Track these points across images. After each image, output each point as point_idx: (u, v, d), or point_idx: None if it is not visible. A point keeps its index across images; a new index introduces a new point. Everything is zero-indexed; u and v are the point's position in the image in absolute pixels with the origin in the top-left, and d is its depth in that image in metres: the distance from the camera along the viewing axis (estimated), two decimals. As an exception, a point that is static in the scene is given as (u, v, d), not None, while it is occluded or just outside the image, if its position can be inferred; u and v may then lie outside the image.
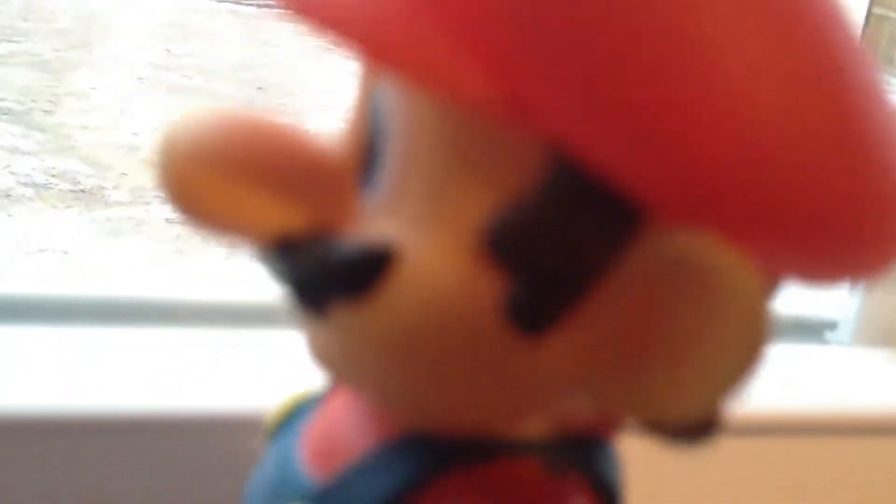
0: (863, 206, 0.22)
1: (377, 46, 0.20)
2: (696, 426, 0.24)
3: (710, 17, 0.20)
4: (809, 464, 0.65)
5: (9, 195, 1.43)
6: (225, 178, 0.24)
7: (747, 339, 0.21)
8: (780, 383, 0.65)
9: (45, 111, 1.80)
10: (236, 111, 0.24)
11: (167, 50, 2.25)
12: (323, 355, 0.25)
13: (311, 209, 0.24)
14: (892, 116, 0.24)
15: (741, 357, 0.21)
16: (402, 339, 0.23)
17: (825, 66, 0.22)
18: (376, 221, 0.24)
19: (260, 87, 2.12)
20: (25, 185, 1.47)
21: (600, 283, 0.22)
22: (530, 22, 0.20)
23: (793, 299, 0.73)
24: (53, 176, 1.51)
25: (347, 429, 0.28)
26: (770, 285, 0.23)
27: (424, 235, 0.23)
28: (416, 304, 0.22)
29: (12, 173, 1.50)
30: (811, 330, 0.73)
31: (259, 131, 0.24)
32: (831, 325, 0.72)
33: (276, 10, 0.21)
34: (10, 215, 1.41)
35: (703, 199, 0.20)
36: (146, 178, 1.44)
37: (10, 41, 2.12)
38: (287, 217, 0.24)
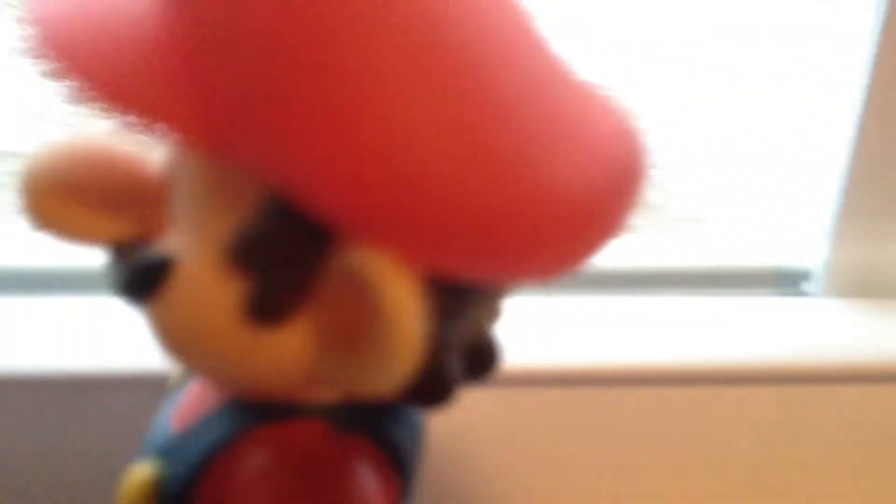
0: (512, 216, 0.26)
1: (110, 91, 0.24)
2: (419, 394, 0.29)
3: (370, 66, 0.24)
4: (783, 411, 0.68)
5: None
6: (67, 201, 0.30)
7: (398, 338, 0.26)
8: (750, 334, 0.68)
9: None
10: (79, 141, 0.31)
11: None
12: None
13: (136, 222, 0.30)
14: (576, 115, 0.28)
15: (397, 352, 0.26)
16: (174, 332, 0.30)
17: (467, 99, 0.25)
18: (172, 234, 0.31)
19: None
20: None
21: (314, 287, 0.28)
22: (235, 81, 0.24)
23: (771, 251, 0.75)
24: None
25: (199, 394, 0.35)
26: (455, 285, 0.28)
27: (191, 248, 0.29)
28: (182, 303, 0.29)
29: None
30: (786, 281, 0.76)
31: (95, 158, 0.30)
32: (805, 276, 0.74)
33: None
34: None
35: (374, 220, 0.25)
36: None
37: None
38: (116, 229, 0.30)
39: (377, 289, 0.26)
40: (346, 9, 0.24)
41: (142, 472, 0.32)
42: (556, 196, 0.27)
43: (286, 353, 0.29)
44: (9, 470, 0.59)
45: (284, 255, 0.27)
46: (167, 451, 0.32)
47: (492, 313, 0.32)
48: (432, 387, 0.28)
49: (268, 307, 0.28)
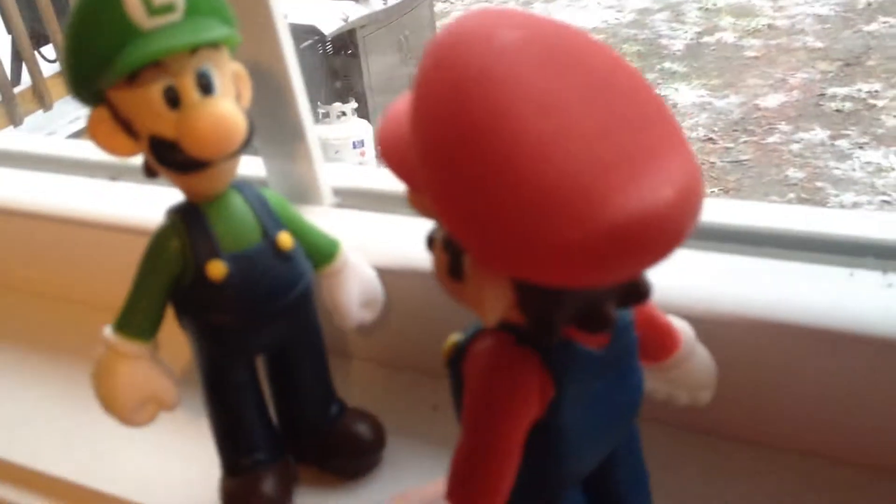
0: (596, 246, 0.36)
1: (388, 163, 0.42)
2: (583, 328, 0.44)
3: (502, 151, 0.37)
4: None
5: None
6: None
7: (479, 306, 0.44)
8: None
9: None
10: None
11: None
12: None
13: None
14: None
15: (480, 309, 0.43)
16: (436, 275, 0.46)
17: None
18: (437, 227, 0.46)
19: None
20: None
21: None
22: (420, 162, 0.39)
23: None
24: None
25: None
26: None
27: (438, 236, 0.45)
28: (433, 261, 0.46)
29: None
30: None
31: None
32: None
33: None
34: None
35: (488, 253, 0.39)
36: None
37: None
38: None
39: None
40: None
41: (454, 336, 0.50)
42: (630, 224, 0.36)
43: (469, 295, 0.44)
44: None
45: (454, 248, 0.43)
46: (467, 330, 0.49)
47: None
48: (588, 325, 0.43)
49: (452, 272, 0.44)
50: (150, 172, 0.60)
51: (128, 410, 0.60)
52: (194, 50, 0.55)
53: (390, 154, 0.42)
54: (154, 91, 0.55)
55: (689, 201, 0.39)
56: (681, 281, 0.63)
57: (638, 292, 0.44)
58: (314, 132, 0.78)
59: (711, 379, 0.57)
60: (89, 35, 0.54)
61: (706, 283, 0.64)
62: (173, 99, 0.55)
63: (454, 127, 0.38)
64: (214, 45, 0.57)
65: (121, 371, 0.59)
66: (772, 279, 0.63)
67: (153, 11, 0.53)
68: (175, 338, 0.63)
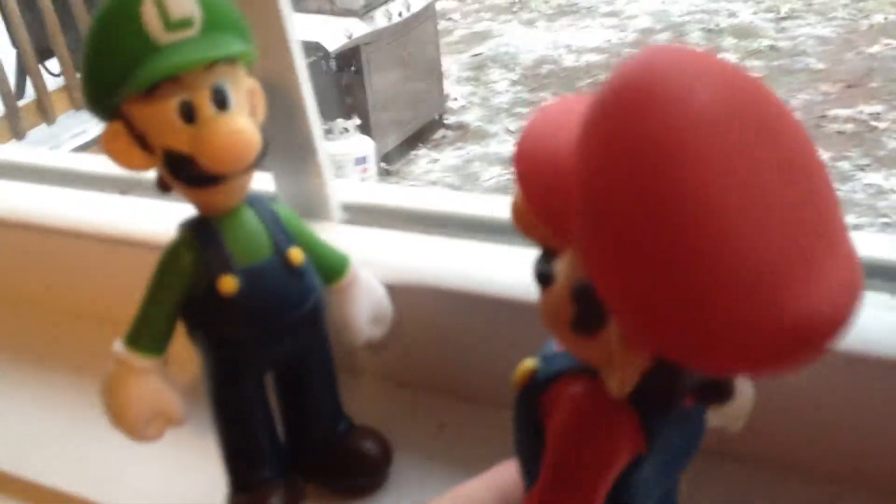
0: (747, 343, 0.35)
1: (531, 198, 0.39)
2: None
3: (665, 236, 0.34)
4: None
5: None
6: None
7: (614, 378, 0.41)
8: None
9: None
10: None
11: None
12: None
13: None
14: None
15: (614, 381, 0.40)
16: (544, 316, 0.43)
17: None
18: (561, 264, 0.43)
19: None
20: None
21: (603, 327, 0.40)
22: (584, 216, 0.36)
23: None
24: None
25: None
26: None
27: (561, 276, 0.42)
28: (547, 303, 0.43)
29: None
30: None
31: None
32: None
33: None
34: None
35: (638, 330, 0.36)
36: None
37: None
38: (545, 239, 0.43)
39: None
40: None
41: (530, 363, 0.48)
42: (783, 327, 0.34)
43: (591, 351, 0.42)
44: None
45: (589, 304, 0.39)
46: (547, 358, 0.47)
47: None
48: (710, 397, 0.43)
49: (580, 328, 0.41)
50: (163, 187, 0.60)
51: (137, 425, 0.60)
52: (210, 65, 0.56)
53: (535, 186, 0.39)
54: (170, 106, 0.55)
55: (852, 305, 0.37)
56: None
57: (721, 390, 0.44)
58: (324, 148, 0.78)
59: (749, 409, 0.57)
60: (107, 49, 0.55)
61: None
62: (189, 114, 0.56)
63: (638, 194, 0.34)
64: (230, 60, 0.57)
65: (130, 386, 0.59)
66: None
67: (171, 26, 0.54)
68: (183, 353, 0.63)
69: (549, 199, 0.39)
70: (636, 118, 0.35)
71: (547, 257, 0.43)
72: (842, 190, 2.89)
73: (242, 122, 0.57)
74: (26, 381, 0.88)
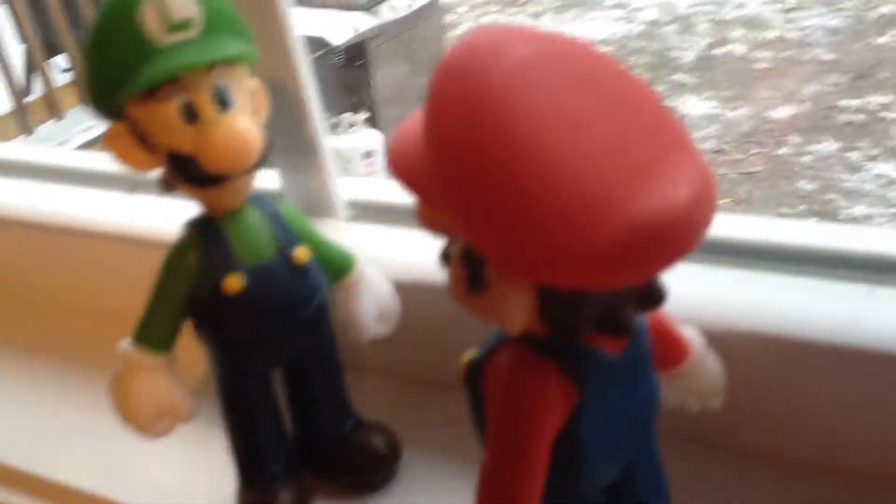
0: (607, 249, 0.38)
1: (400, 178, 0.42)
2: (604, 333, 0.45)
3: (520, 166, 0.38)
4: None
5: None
6: None
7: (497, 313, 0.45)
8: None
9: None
10: None
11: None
12: None
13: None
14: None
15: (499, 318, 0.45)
16: (452, 291, 0.46)
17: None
18: (452, 244, 0.46)
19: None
20: None
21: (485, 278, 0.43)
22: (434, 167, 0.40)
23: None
24: None
25: None
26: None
27: (454, 251, 0.45)
28: (449, 276, 0.46)
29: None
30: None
31: None
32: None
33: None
34: None
35: (507, 261, 0.40)
36: None
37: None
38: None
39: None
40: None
41: (469, 354, 0.50)
42: (649, 226, 0.38)
43: (490, 306, 0.44)
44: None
45: (473, 261, 0.43)
46: (481, 345, 0.50)
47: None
48: (609, 329, 0.44)
49: (473, 285, 0.44)
50: (167, 187, 0.60)
51: (145, 422, 0.60)
52: (211, 66, 0.56)
53: (403, 169, 0.43)
54: (171, 107, 0.56)
55: (704, 200, 0.40)
56: (697, 295, 0.63)
57: (655, 296, 0.45)
58: (329, 146, 0.78)
59: (722, 386, 0.57)
60: (107, 51, 0.55)
61: (723, 298, 0.64)
62: (191, 115, 0.56)
63: (474, 144, 0.39)
64: (231, 61, 0.57)
65: (138, 383, 0.60)
66: (789, 295, 0.63)
67: (171, 28, 0.54)
68: (190, 350, 0.63)
69: (418, 180, 0.42)
70: (461, 76, 0.39)
71: (449, 244, 0.46)
72: (851, 181, 2.88)
73: (244, 122, 0.57)
74: (34, 377, 0.89)
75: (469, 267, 0.44)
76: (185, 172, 0.58)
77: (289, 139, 0.77)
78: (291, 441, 0.68)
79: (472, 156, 0.39)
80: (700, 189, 0.40)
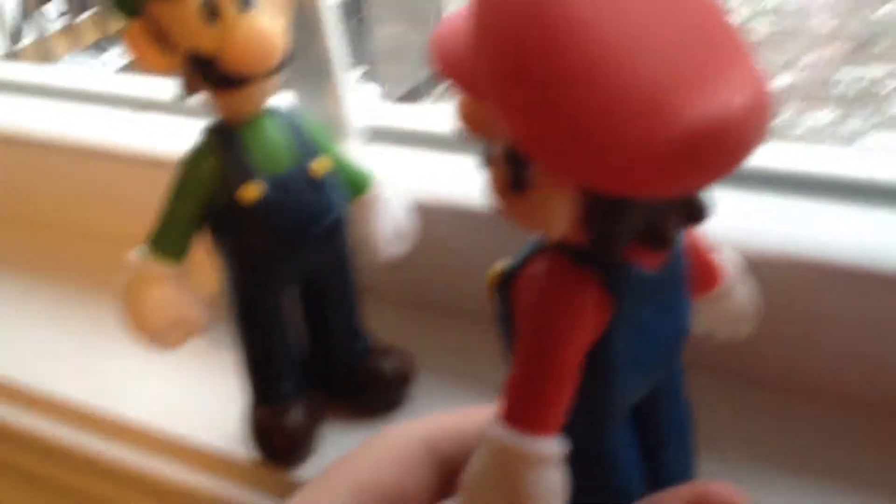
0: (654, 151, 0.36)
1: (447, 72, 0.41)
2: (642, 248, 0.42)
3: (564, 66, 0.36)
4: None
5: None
6: None
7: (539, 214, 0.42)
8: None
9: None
10: None
11: None
12: None
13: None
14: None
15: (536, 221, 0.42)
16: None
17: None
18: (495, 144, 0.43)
19: None
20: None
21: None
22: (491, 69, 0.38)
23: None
24: None
25: None
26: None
27: (496, 150, 0.42)
28: (491, 176, 0.43)
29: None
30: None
31: None
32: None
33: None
34: None
35: (554, 159, 0.37)
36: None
37: None
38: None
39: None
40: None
41: (500, 264, 0.47)
42: (702, 132, 0.36)
43: (532, 208, 0.42)
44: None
45: (516, 159, 0.40)
46: (515, 257, 0.47)
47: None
48: (651, 241, 0.42)
49: (515, 185, 0.41)
50: (187, 90, 0.58)
51: (157, 331, 0.59)
52: (235, -37, 0.54)
53: (446, 58, 0.41)
54: (192, 3, 0.54)
55: (758, 110, 0.39)
56: (728, 221, 0.62)
57: (699, 211, 0.43)
58: (345, 68, 0.77)
59: (753, 313, 0.56)
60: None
61: (755, 224, 0.63)
62: (212, 12, 0.54)
63: (525, 32, 0.37)
64: (256, -43, 0.55)
65: (151, 291, 0.58)
66: (821, 221, 0.62)
67: (195, -80, 0.52)
68: (204, 266, 0.62)
69: (465, 72, 0.41)
70: None
71: (491, 146, 0.44)
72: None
73: (266, 21, 0.55)
74: (39, 295, 0.87)
75: (513, 166, 0.42)
76: (204, 73, 0.56)
77: (305, 59, 0.75)
78: (304, 360, 0.67)
79: (523, 48, 0.37)
80: (755, 98, 0.39)
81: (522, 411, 0.45)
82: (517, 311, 0.46)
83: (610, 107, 0.36)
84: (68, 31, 3.15)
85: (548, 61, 0.36)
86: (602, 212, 0.41)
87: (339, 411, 0.67)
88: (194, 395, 0.71)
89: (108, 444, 0.71)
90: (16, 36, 3.05)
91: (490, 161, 0.44)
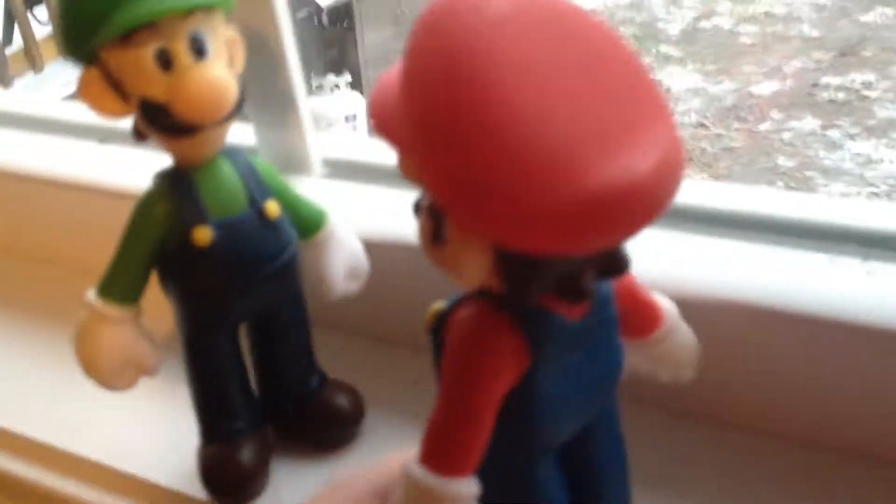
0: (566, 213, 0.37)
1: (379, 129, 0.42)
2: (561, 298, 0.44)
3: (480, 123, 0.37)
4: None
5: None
6: None
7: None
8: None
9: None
10: None
11: None
12: None
13: None
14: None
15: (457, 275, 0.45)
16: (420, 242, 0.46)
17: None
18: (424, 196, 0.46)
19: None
20: None
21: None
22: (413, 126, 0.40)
23: None
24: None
25: None
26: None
27: (424, 202, 0.45)
28: (420, 228, 0.46)
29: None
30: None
31: None
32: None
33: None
34: None
35: (465, 218, 0.39)
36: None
37: None
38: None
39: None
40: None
41: (437, 304, 0.50)
42: (606, 194, 0.37)
43: (450, 260, 0.44)
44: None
45: (437, 213, 0.43)
46: (451, 298, 0.49)
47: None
48: (567, 294, 0.43)
49: (437, 237, 0.43)
50: (139, 136, 0.60)
51: (109, 374, 0.60)
52: (188, 13, 0.55)
53: (382, 119, 0.42)
54: (146, 53, 0.55)
55: (667, 174, 0.40)
56: (663, 263, 0.63)
57: (616, 265, 0.45)
58: (306, 102, 0.78)
59: (694, 358, 0.57)
60: (83, -7, 0.54)
61: (688, 266, 0.64)
62: (166, 62, 0.55)
63: (440, 93, 0.38)
64: (208, 8, 0.56)
65: (103, 334, 0.59)
66: (753, 263, 0.64)
67: (147, -28, 0.53)
68: (157, 306, 0.63)
69: (396, 130, 0.42)
70: (437, 28, 0.39)
71: (423, 196, 0.46)
72: (830, 159, 2.89)
73: (219, 71, 0.56)
74: (-1, 327, 0.88)
75: (434, 219, 0.44)
76: (157, 121, 0.57)
77: (266, 93, 0.76)
78: (256, 397, 0.68)
79: (436, 106, 0.39)
80: (667, 160, 0.40)
81: (438, 454, 0.47)
82: (444, 354, 0.48)
83: (514, 168, 0.37)
84: (54, 39, 3.14)
85: (456, 124, 0.38)
86: (514, 266, 0.42)
87: (289, 448, 0.68)
88: (149, 433, 0.72)
89: (64, 480, 0.72)
90: (4, 41, 3.05)
91: (419, 211, 0.46)
